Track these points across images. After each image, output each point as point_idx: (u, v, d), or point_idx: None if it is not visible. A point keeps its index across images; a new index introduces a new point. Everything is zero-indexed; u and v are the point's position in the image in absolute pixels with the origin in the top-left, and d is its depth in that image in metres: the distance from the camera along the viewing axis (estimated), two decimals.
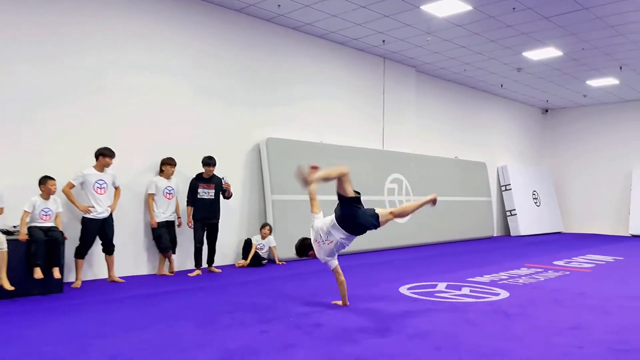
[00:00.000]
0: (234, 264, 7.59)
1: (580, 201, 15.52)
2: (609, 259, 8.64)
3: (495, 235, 13.74)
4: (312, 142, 8.88)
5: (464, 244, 11.18)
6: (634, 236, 13.83)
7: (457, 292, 5.47)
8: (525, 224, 13.94)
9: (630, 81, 12.31)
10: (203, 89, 7.59)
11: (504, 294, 5.36)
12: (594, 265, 7.84)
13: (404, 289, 5.63)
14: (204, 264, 7.06)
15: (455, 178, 12.20)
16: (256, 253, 7.57)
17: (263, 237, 7.71)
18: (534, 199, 14.66)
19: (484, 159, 13.69)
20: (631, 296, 5.33)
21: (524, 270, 7.18)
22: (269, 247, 7.77)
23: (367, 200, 9.96)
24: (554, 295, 5.32)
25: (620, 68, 11.11)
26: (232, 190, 7.23)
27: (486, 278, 6.45)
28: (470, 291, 5.54)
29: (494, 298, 5.18)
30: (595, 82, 12.49)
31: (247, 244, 7.67)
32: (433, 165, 11.60)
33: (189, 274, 6.71)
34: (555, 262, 8.08)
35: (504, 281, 6.22)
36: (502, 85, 13.02)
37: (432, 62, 10.95)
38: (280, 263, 7.80)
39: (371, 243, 9.36)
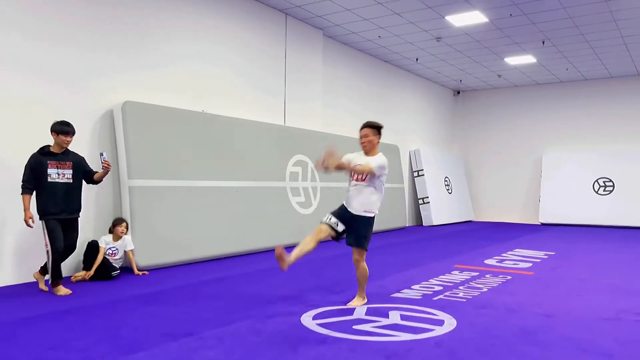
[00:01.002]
0: (70, 277, 5.35)
1: (490, 188, 14.83)
2: (541, 254, 7.52)
3: (407, 225, 12.51)
4: (189, 111, 6.79)
5: (377, 237, 9.68)
6: (544, 224, 13.30)
7: (384, 322, 3.77)
8: (438, 212, 12.86)
9: (547, 60, 11.51)
10: (29, 29, 5.22)
11: (448, 322, 3.75)
12: (530, 264, 6.60)
13: (307, 318, 3.83)
14: (28, 276, 4.79)
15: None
16: (104, 260, 5.41)
17: (116, 238, 5.58)
18: (446, 185, 13.64)
19: (396, 141, 12.35)
20: (605, 317, 3.96)
21: (456, 275, 5.72)
22: (124, 252, 5.64)
23: (265, 187, 8.10)
24: (518, 322, 3.80)
25: (543, 42, 10.16)
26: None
27: (416, 290, 4.86)
28: (402, 317, 3.87)
29: (438, 330, 3.55)
30: (513, 60, 11.55)
31: (92, 248, 5.48)
32: (343, 146, 9.95)
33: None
34: (487, 262, 6.76)
35: (440, 295, 4.65)
36: (417, 60, 11.69)
37: (343, 24, 9.24)
38: (141, 274, 5.69)
39: (256, 240, 7.51)
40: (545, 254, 7.54)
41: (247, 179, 7.41)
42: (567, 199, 13.20)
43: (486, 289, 4.94)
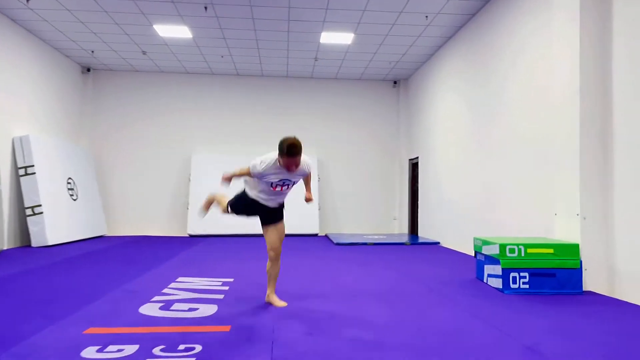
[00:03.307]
0: None
1: (128, 194, 11.91)
2: (217, 283, 5.20)
3: (6, 248, 8.33)
4: None
5: None
6: (193, 236, 11.30)
7: None
8: (56, 227, 9.12)
9: (204, 39, 9.54)
10: None
11: None
12: (214, 307, 4.14)
13: None
14: None
15: None
16: None
17: None
18: (69, 189, 10.01)
19: None
20: None
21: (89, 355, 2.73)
22: None
23: None
24: None
25: (205, 8, 8.07)
26: None
27: None
28: None
29: None
30: (165, 30, 9.10)
31: None
32: None
33: None
34: (144, 311, 3.94)
35: None
36: (28, 1, 7.83)
37: None
38: None
39: None
40: (222, 282, 5.27)
41: None
42: None
43: None
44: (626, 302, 4.44)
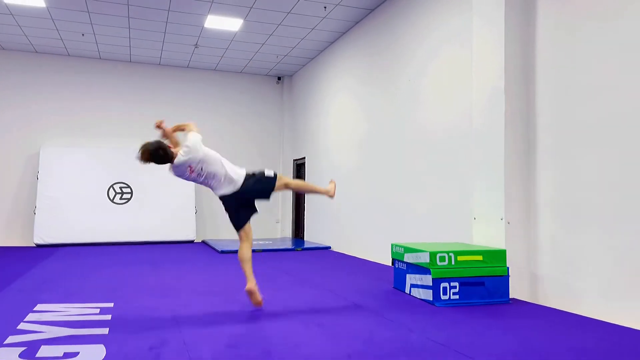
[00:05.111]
0: None
1: None
2: (93, 310, 4.06)
3: None
4: None
5: None
6: (40, 246, 9.48)
7: None
8: None
9: (60, 10, 7.97)
10: None
11: None
12: (100, 348, 3.10)
13: None
14: None
15: None
16: None
17: None
18: None
19: None
20: None
21: None
22: None
23: None
24: None
25: None
26: None
27: None
28: None
29: None
30: None
31: None
32: None
33: None
34: None
35: None
36: None
37: None
38: None
39: None
40: (99, 309, 4.15)
41: None
42: (74, 211, 9.87)
43: None
44: (559, 309, 4.32)
